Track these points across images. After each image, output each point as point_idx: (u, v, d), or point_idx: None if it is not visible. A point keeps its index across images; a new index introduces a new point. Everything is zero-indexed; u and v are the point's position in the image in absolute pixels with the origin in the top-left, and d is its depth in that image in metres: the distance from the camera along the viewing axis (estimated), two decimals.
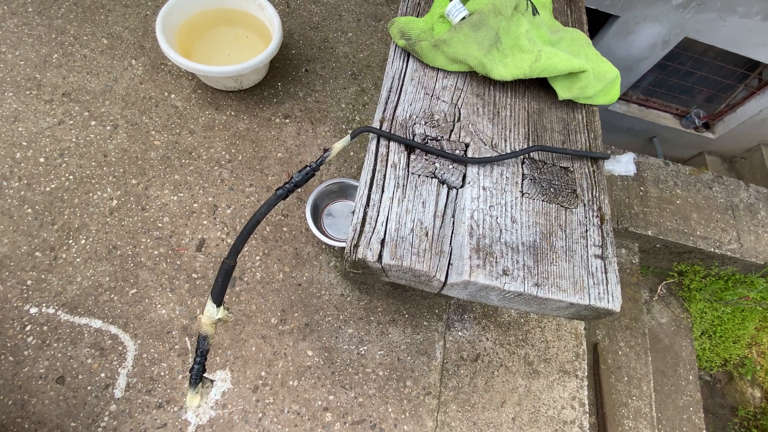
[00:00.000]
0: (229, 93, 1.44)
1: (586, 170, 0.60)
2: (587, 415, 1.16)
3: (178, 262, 1.15)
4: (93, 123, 1.31)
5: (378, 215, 0.50)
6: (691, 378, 1.78)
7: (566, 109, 0.67)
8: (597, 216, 0.56)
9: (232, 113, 1.41)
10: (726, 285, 1.91)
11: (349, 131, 1.51)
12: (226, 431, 0.99)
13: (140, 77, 1.41)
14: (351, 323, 1.17)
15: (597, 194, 0.58)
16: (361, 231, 0.48)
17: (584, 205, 0.57)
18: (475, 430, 1.09)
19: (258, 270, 1.19)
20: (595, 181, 0.59)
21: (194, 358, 0.57)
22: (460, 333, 1.21)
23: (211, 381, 0.64)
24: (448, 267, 0.50)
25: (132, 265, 1.13)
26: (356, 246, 0.48)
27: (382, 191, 0.51)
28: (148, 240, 1.17)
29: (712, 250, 1.72)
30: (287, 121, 1.44)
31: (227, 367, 1.05)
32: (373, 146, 0.54)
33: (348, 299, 1.20)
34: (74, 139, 1.27)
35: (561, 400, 1.16)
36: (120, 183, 1.23)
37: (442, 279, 0.49)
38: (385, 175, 0.52)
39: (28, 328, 1.03)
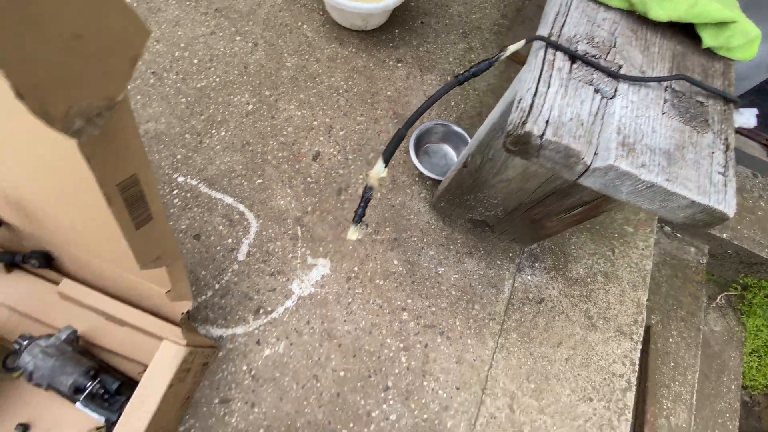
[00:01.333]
0: (352, 32, 1.59)
1: (719, 108, 0.69)
2: (636, 374, 1.24)
3: (297, 166, 1.33)
4: (238, 38, 1.50)
5: (544, 103, 0.61)
6: (733, 387, 1.79)
7: (707, 57, 0.75)
8: (724, 144, 0.65)
9: (353, 50, 1.56)
10: None
11: None
12: (321, 306, 1.17)
13: (279, 5, 1.58)
14: (433, 247, 1.30)
15: (725, 128, 0.66)
16: (530, 112, 0.61)
17: (713, 133, 0.66)
18: (530, 359, 1.20)
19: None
20: (724, 117, 0.67)
21: (360, 203, 0.72)
22: (529, 277, 1.32)
23: (367, 225, 0.78)
24: (594, 155, 0.61)
25: (260, 160, 1.32)
26: (524, 123, 0.60)
27: (548, 86, 0.63)
28: (275, 143, 1.35)
29: None
30: (399, 65, 1.57)
31: (328, 257, 1.22)
32: (541, 53, 0.66)
33: (432, 227, 1.33)
34: (222, 49, 1.47)
35: (613, 355, 1.25)
36: (256, 92, 1.42)
37: (588, 162, 0.60)
38: (551, 75, 0.63)
39: (175, 191, 1.25)
